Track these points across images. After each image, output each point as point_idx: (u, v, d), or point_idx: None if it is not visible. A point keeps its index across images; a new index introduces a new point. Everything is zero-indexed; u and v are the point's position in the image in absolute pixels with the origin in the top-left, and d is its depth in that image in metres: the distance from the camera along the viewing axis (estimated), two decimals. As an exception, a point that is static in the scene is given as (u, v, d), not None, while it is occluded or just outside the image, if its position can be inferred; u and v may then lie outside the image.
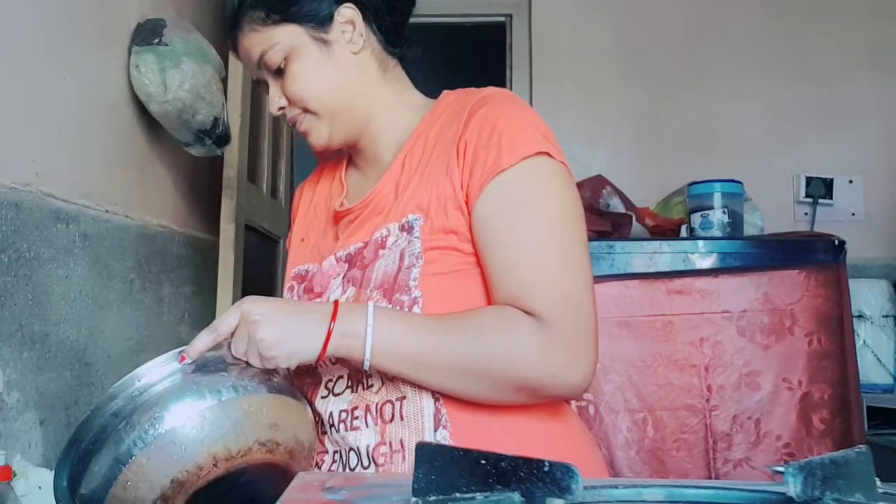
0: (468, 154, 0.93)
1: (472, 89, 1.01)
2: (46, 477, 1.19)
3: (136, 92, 1.73)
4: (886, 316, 2.28)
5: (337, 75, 1.01)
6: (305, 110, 1.01)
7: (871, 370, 2.22)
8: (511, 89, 2.60)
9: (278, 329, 0.85)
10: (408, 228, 0.96)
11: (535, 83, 2.80)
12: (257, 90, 2.37)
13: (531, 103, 2.70)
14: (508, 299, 0.90)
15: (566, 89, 2.79)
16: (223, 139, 1.89)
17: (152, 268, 1.86)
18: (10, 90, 1.31)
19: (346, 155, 1.14)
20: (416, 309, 0.91)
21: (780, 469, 0.54)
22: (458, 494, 0.51)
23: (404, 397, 0.92)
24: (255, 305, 0.86)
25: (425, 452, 0.52)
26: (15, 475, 1.17)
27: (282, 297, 1.09)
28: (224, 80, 1.95)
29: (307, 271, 1.08)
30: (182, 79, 1.71)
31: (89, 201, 1.55)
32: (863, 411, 1.88)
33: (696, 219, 2.12)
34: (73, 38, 1.53)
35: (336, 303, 0.89)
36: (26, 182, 1.34)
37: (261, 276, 2.49)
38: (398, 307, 0.91)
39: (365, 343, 0.86)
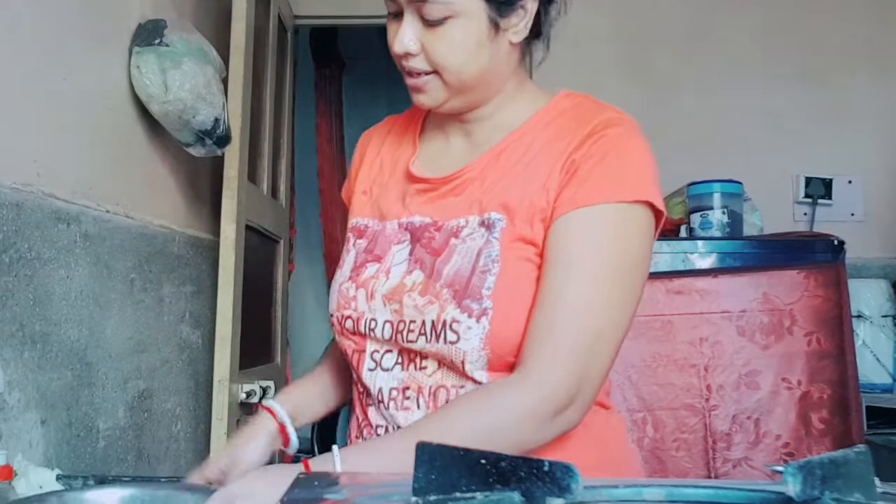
0: (570, 174, 0.92)
1: (595, 102, 0.99)
2: (47, 477, 1.19)
3: (137, 92, 1.73)
4: (886, 316, 2.28)
5: (489, 61, 0.96)
6: (436, 73, 0.95)
7: (870, 370, 2.22)
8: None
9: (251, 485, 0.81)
10: (488, 225, 0.93)
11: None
12: (257, 90, 2.38)
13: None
14: (528, 335, 0.88)
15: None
16: (223, 139, 1.89)
17: (153, 268, 1.86)
18: (10, 90, 1.31)
19: (424, 114, 1.10)
20: (483, 320, 0.89)
21: (780, 469, 0.54)
22: (458, 494, 0.51)
23: (462, 387, 0.91)
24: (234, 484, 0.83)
25: (425, 452, 0.52)
26: (16, 475, 1.17)
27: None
28: (224, 81, 1.95)
29: (367, 226, 1.05)
30: (183, 79, 1.71)
31: (90, 201, 1.55)
32: (862, 411, 1.88)
33: (696, 219, 2.12)
34: (74, 38, 1.53)
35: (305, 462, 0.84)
36: (27, 182, 1.34)
37: (261, 276, 2.50)
38: (466, 314, 0.90)
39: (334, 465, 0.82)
